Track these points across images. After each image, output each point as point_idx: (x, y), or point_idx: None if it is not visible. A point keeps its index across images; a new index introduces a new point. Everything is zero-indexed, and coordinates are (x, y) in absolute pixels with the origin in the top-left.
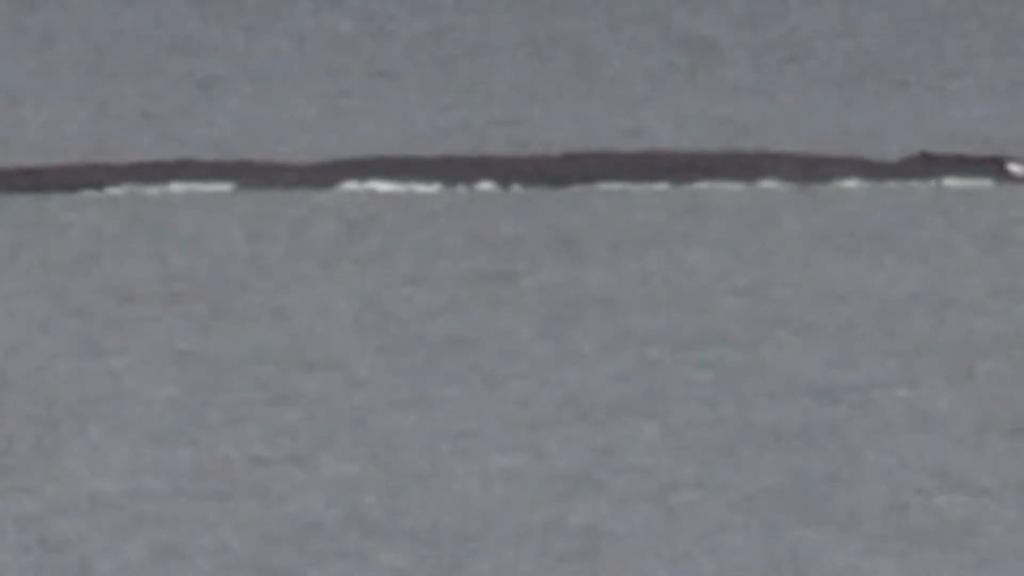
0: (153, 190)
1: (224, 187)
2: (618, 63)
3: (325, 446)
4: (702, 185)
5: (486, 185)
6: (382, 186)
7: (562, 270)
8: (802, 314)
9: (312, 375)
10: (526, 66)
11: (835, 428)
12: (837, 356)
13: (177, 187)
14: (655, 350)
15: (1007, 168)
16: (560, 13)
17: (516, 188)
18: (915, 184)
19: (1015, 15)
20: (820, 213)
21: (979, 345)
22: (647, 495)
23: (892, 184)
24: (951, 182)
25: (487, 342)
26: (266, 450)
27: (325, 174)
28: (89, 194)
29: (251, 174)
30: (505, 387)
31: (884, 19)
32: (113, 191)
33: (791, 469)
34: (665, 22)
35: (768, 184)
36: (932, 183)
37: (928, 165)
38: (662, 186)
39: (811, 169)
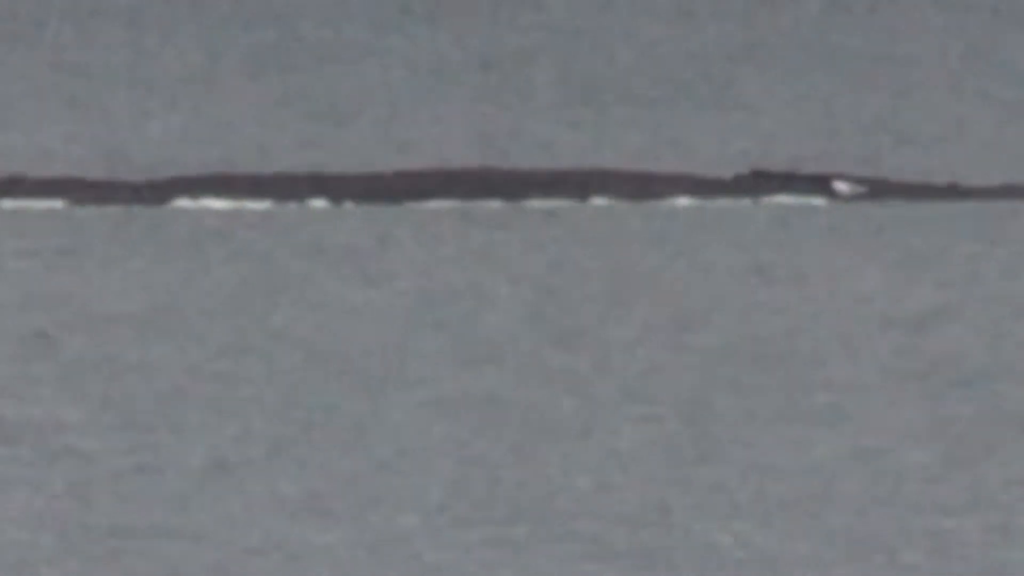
0: None
1: (56, 204)
2: (446, 80)
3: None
4: (535, 202)
5: (318, 202)
6: (215, 203)
7: (400, 283)
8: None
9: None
10: (360, 78)
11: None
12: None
13: (8, 204)
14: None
15: (834, 186)
16: (394, 25)
17: (348, 205)
18: (746, 202)
19: (843, 38)
20: (652, 230)
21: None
22: None
23: (723, 201)
24: (782, 199)
25: (358, 348)
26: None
27: (158, 191)
28: None
29: (83, 191)
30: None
31: (719, 38)
32: None
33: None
34: (474, 41)
35: (600, 202)
36: (763, 200)
37: (759, 182)
38: (496, 203)
39: (643, 187)
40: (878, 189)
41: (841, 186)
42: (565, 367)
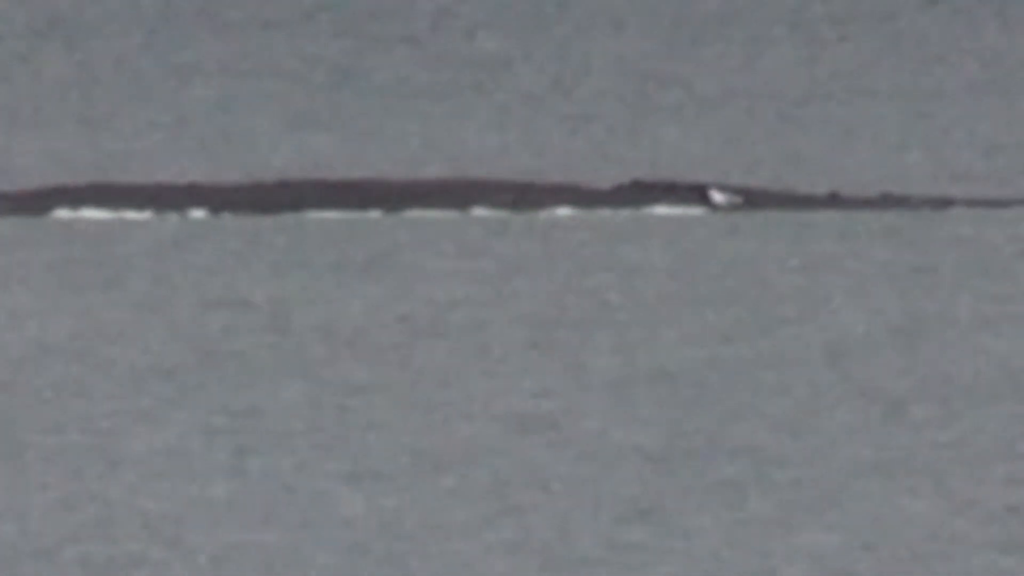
0: None
1: None
2: (333, 90)
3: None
4: (415, 213)
5: (197, 213)
6: (94, 213)
7: (278, 295)
8: (510, 342)
9: None
10: (240, 92)
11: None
12: (533, 384)
13: None
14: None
15: (709, 196)
16: (271, 39)
17: (227, 216)
18: (626, 212)
19: (728, 49)
20: (532, 240)
21: (687, 373)
22: None
23: (604, 212)
24: (661, 210)
25: (216, 365)
26: None
27: (38, 202)
28: None
29: None
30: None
31: (604, 50)
32: None
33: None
34: (354, 55)
35: (480, 212)
36: (643, 210)
37: (639, 193)
38: (375, 214)
39: (523, 197)
40: (756, 199)
41: (718, 196)
42: (440, 366)
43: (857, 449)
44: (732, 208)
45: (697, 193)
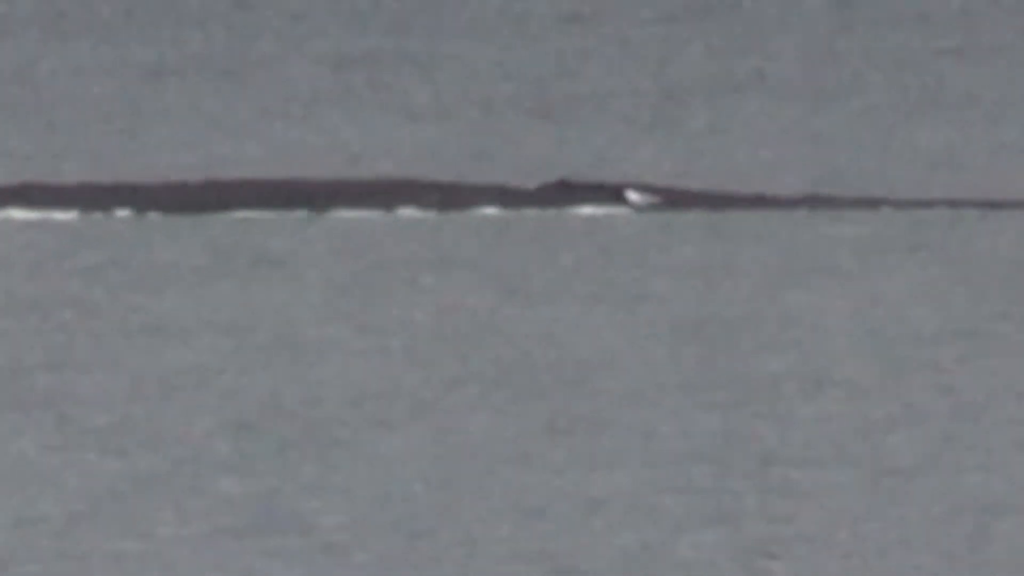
0: None
1: None
2: (258, 88)
3: None
4: (341, 213)
5: (123, 212)
6: (19, 214)
7: (192, 294)
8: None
9: None
10: (165, 92)
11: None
12: (447, 375)
13: None
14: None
15: (626, 196)
16: (198, 38)
17: (153, 215)
18: (551, 212)
19: (662, 52)
20: (457, 240)
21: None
22: None
23: (530, 212)
24: (586, 210)
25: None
26: None
27: None
28: None
29: None
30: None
31: (528, 52)
32: None
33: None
34: (283, 53)
35: (407, 212)
36: (568, 210)
37: (564, 193)
38: (301, 214)
39: (449, 197)
40: (678, 199)
41: (634, 196)
42: (373, 360)
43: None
44: (652, 209)
45: (614, 193)
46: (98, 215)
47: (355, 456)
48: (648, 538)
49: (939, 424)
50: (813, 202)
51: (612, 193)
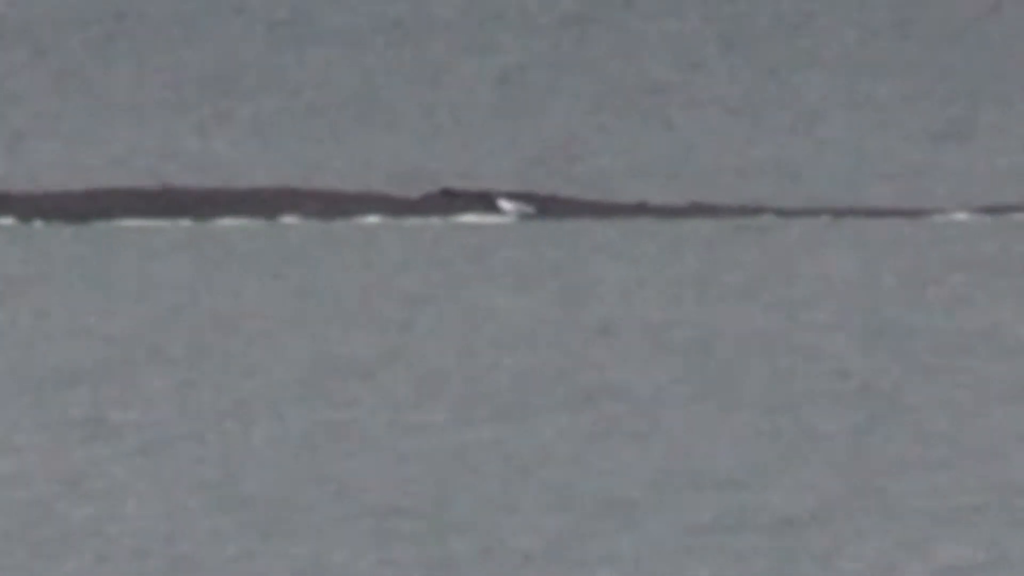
0: None
1: None
2: (133, 102)
3: None
4: (224, 222)
5: (5, 221)
6: None
7: (68, 305)
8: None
9: None
10: (47, 101)
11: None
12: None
13: None
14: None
15: (498, 204)
16: (81, 52)
17: (37, 224)
18: (434, 220)
19: (601, 56)
20: (343, 250)
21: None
22: None
23: (413, 220)
24: (469, 218)
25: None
26: None
27: None
28: None
29: None
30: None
31: (411, 61)
32: None
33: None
34: (168, 64)
35: (289, 221)
36: (451, 219)
37: (447, 202)
38: (185, 223)
39: (332, 206)
40: (554, 208)
41: (506, 205)
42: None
43: None
44: (528, 217)
45: (486, 202)
46: None
47: None
48: None
49: None
50: (689, 211)
51: (481, 202)
